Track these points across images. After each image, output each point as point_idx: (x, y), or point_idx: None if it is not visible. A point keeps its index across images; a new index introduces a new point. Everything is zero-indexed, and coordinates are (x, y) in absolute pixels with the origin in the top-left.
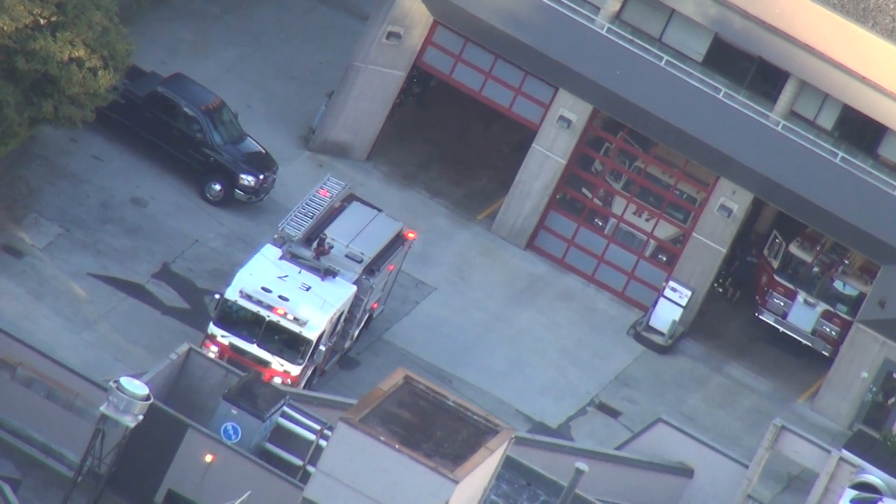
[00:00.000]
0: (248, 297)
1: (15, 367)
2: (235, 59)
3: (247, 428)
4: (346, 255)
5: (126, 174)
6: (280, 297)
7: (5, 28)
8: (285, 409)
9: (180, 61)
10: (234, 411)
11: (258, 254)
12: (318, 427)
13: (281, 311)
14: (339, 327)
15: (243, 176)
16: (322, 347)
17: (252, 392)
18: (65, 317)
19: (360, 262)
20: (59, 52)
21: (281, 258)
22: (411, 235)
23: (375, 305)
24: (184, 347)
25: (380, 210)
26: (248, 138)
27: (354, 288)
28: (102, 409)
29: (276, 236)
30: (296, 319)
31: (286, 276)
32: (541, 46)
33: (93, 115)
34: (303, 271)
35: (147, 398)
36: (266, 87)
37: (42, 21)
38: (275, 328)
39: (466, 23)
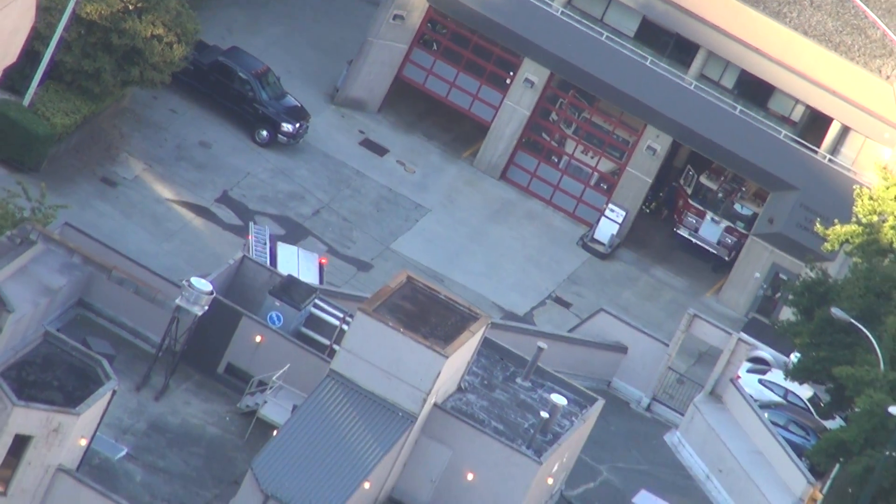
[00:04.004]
0: None
1: (111, 270)
2: (279, 35)
3: (287, 316)
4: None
5: (195, 123)
6: None
7: (102, 12)
8: (317, 301)
9: (236, 37)
10: (278, 303)
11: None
12: (341, 315)
13: None
14: None
15: (284, 124)
16: None
17: (291, 289)
18: (149, 232)
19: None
20: (143, 31)
21: None
22: (324, 261)
23: None
24: (238, 255)
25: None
26: (289, 95)
27: None
28: (177, 301)
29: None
30: None
31: None
32: (510, 25)
33: (169, 78)
34: None
35: (211, 293)
36: (302, 57)
37: (130, 7)
38: None
39: (454, 7)
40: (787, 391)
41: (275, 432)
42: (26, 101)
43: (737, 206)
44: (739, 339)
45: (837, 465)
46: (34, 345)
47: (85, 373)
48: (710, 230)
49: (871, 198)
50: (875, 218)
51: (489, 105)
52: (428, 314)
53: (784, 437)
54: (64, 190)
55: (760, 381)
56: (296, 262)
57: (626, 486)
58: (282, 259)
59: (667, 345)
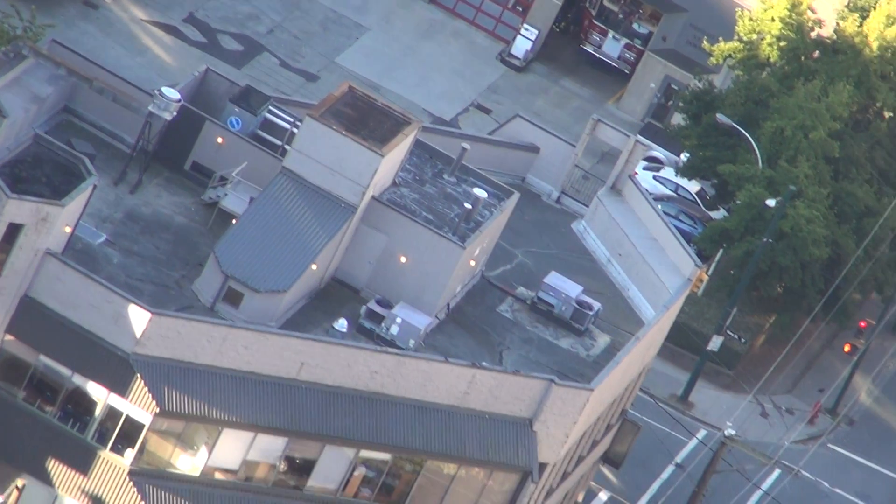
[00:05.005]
0: None
1: (92, 80)
2: None
3: (245, 120)
4: None
5: None
6: None
7: None
8: (270, 107)
9: None
10: (237, 109)
11: None
12: (292, 120)
13: None
14: None
15: None
16: None
17: (248, 97)
18: (125, 48)
19: None
20: None
21: None
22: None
23: None
24: (203, 67)
25: None
26: None
27: None
28: (150, 108)
29: None
30: None
31: None
32: None
33: None
34: None
35: (179, 101)
36: None
37: None
38: None
39: None
40: (677, 186)
41: (234, 221)
42: None
43: (635, 26)
44: (637, 141)
45: (721, 250)
46: (25, 146)
47: (70, 170)
48: (612, 47)
49: (751, 19)
50: (754, 36)
51: None
52: (367, 119)
53: (675, 226)
54: (51, 11)
55: (655, 177)
56: None
57: (538, 268)
58: None
59: (573, 146)
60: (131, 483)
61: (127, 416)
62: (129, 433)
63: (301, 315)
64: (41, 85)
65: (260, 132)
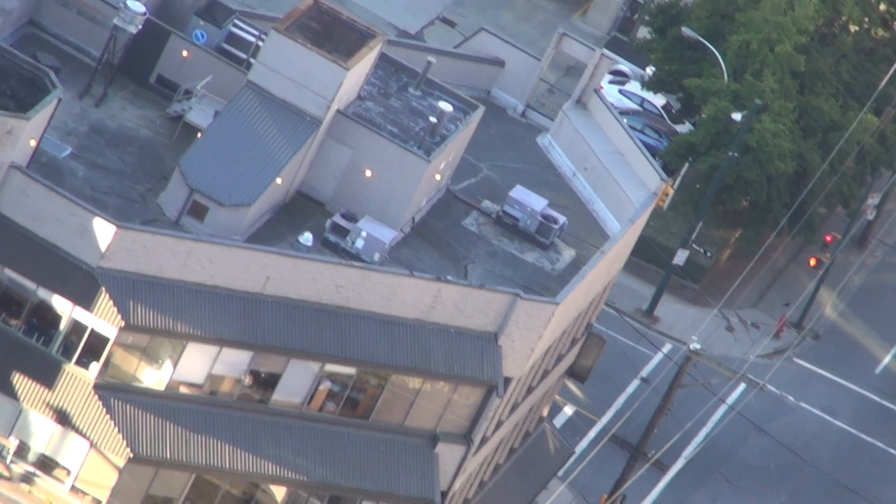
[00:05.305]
0: None
1: None
2: None
3: (210, 34)
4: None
5: None
6: None
7: None
8: (236, 21)
9: None
10: (202, 23)
11: None
12: (257, 33)
13: None
14: None
15: None
16: None
17: (213, 10)
18: None
19: None
20: None
21: None
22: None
23: None
24: None
25: None
26: None
27: None
28: (115, 21)
29: None
30: None
31: None
32: None
33: None
34: None
35: (144, 14)
36: None
37: None
38: None
39: None
40: (643, 100)
41: (199, 135)
42: None
43: None
44: (602, 55)
45: (687, 164)
46: None
47: (34, 83)
48: None
49: None
50: None
51: None
52: (332, 32)
53: (640, 140)
54: None
55: (620, 91)
56: None
57: (504, 182)
58: None
59: (539, 60)
60: (96, 396)
61: (92, 330)
62: (94, 347)
63: (266, 229)
64: None
65: (225, 46)
